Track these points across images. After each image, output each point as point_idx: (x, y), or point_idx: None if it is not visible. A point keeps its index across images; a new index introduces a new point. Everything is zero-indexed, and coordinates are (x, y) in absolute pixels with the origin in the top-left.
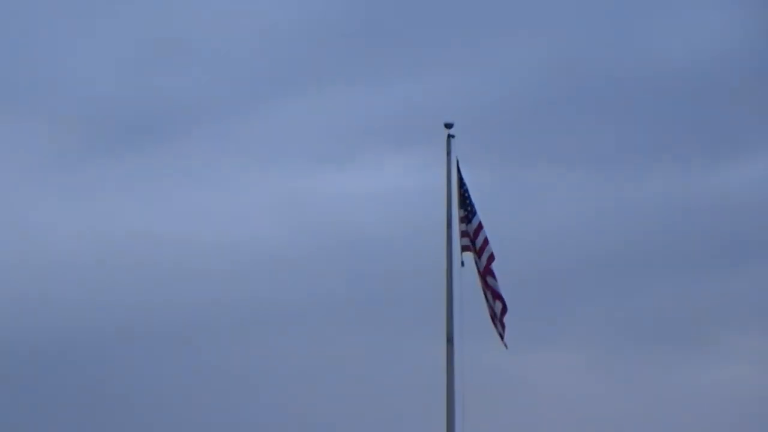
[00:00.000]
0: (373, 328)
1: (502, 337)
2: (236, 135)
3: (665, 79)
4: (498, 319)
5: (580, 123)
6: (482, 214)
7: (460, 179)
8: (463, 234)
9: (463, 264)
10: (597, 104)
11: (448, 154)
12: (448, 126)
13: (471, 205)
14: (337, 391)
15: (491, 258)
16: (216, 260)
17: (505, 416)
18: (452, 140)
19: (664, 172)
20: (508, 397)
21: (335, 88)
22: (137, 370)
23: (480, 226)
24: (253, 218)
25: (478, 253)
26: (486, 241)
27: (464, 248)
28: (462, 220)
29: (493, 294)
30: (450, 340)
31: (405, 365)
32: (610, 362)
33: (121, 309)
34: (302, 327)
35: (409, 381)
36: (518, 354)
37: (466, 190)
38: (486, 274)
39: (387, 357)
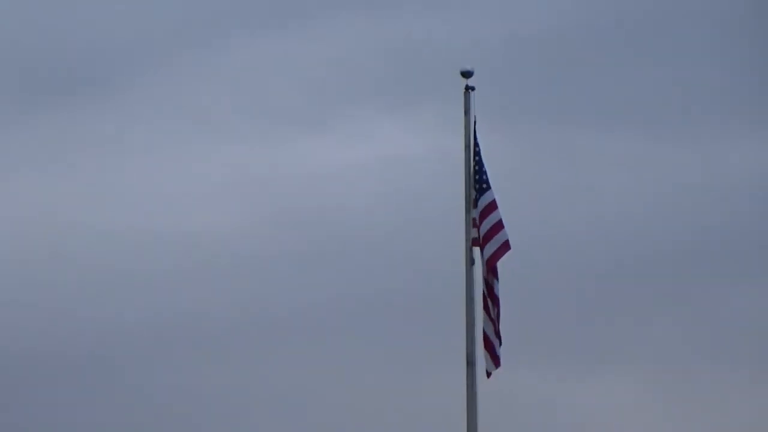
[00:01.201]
0: (375, 346)
1: (492, 359)
2: (176, 90)
3: None
4: (491, 345)
5: (640, 68)
6: (500, 196)
7: (475, 143)
8: (473, 223)
9: (473, 263)
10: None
11: (466, 112)
12: (466, 75)
13: (483, 178)
14: (334, 418)
15: (503, 248)
16: (163, 260)
17: None
18: (471, 94)
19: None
20: (539, 428)
21: (315, 22)
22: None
23: (492, 206)
24: (206, 203)
25: (482, 242)
26: (497, 227)
27: (474, 242)
28: (473, 202)
29: (494, 300)
30: (471, 363)
31: (417, 390)
32: (673, 386)
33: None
34: (284, 344)
35: (423, 409)
36: (552, 376)
37: (479, 160)
38: (491, 270)
39: (394, 380)
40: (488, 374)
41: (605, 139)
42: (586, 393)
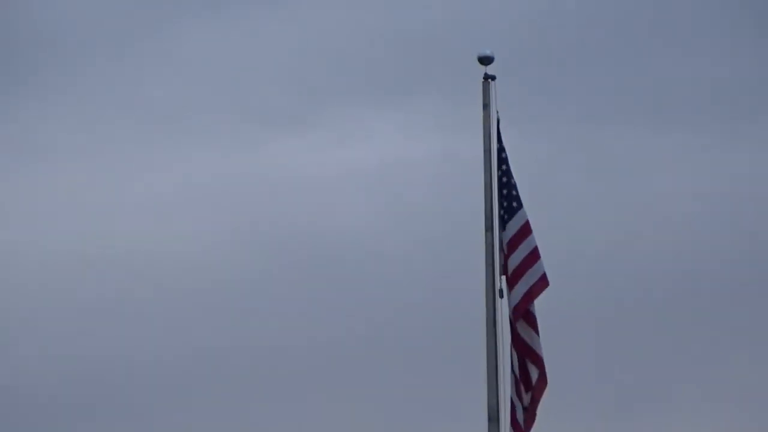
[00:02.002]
0: (377, 399)
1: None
2: (119, 84)
3: None
4: (526, 396)
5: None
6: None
7: (500, 148)
8: (502, 246)
9: (502, 295)
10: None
11: (486, 106)
12: (485, 61)
13: (513, 194)
14: None
15: (539, 286)
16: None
17: None
18: (492, 84)
19: None
20: None
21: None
22: None
23: (524, 231)
24: (157, 219)
25: (512, 278)
26: (531, 258)
27: (503, 269)
28: (500, 221)
29: (523, 352)
30: (493, 419)
31: None
32: None
33: None
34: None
35: None
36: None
37: (506, 168)
38: (521, 315)
39: None
40: None
41: (647, 138)
42: None
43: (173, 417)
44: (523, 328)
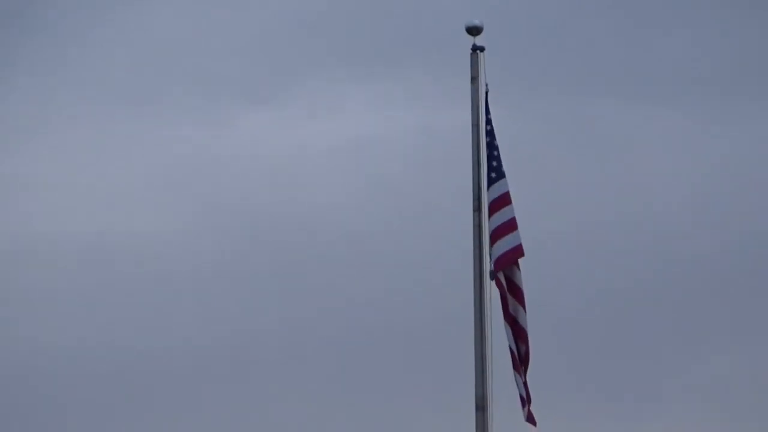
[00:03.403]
0: (361, 387)
1: (525, 404)
2: (72, 58)
3: None
4: (521, 374)
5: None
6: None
7: (487, 120)
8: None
9: (492, 277)
10: None
11: (474, 79)
12: (474, 31)
13: (494, 165)
14: None
15: (513, 253)
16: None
17: None
18: (480, 56)
19: None
20: None
21: None
22: None
23: (503, 200)
24: (114, 202)
25: (492, 238)
26: (508, 226)
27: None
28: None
29: (513, 329)
30: (481, 408)
31: None
32: None
33: None
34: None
35: None
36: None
37: (491, 141)
38: (502, 268)
39: (388, 426)
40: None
41: (639, 115)
42: None
43: (153, 404)
44: (511, 303)
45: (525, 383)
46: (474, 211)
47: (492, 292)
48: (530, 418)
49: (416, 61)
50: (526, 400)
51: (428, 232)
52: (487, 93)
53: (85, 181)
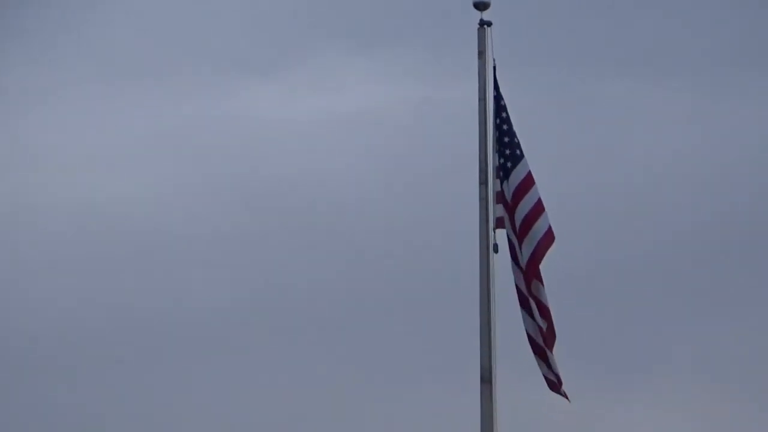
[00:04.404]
0: (364, 359)
1: (555, 385)
2: (90, 28)
3: None
4: (544, 351)
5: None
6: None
7: (497, 95)
8: (498, 198)
9: (496, 250)
10: None
11: (481, 54)
12: (481, 6)
13: (515, 141)
14: None
15: (546, 241)
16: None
17: None
18: (488, 30)
19: None
20: None
21: None
22: None
23: (528, 182)
24: (128, 166)
25: (520, 233)
26: (536, 211)
27: (498, 222)
28: (498, 171)
29: (538, 306)
30: (486, 380)
31: (424, 414)
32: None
33: None
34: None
35: None
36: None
37: (505, 117)
38: (531, 272)
39: (394, 402)
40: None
41: (648, 90)
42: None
43: (154, 367)
44: (535, 286)
45: (551, 364)
46: (480, 184)
47: (497, 264)
48: (564, 395)
49: (422, 35)
50: (556, 383)
51: (433, 203)
52: (495, 68)
53: (90, 149)
